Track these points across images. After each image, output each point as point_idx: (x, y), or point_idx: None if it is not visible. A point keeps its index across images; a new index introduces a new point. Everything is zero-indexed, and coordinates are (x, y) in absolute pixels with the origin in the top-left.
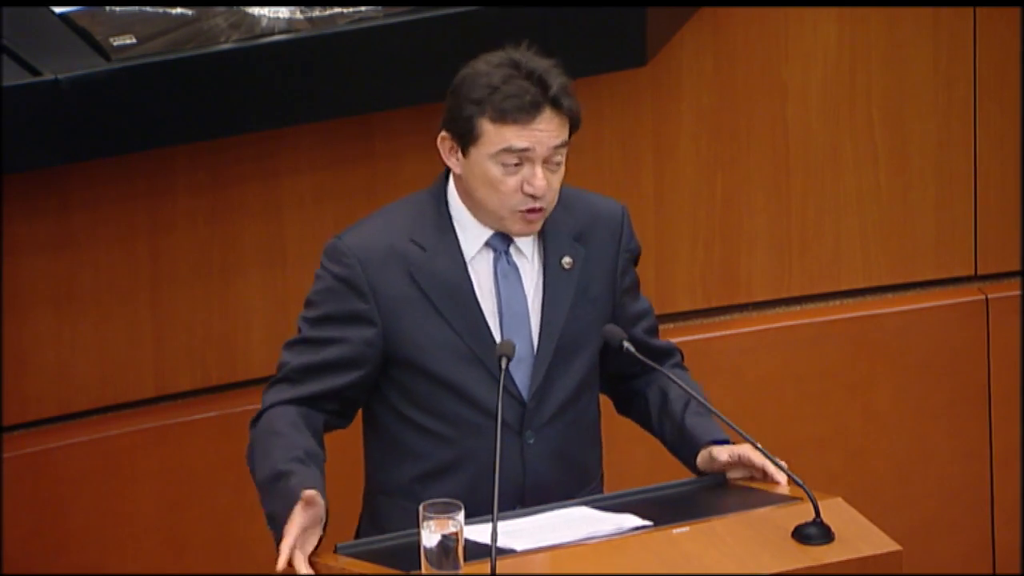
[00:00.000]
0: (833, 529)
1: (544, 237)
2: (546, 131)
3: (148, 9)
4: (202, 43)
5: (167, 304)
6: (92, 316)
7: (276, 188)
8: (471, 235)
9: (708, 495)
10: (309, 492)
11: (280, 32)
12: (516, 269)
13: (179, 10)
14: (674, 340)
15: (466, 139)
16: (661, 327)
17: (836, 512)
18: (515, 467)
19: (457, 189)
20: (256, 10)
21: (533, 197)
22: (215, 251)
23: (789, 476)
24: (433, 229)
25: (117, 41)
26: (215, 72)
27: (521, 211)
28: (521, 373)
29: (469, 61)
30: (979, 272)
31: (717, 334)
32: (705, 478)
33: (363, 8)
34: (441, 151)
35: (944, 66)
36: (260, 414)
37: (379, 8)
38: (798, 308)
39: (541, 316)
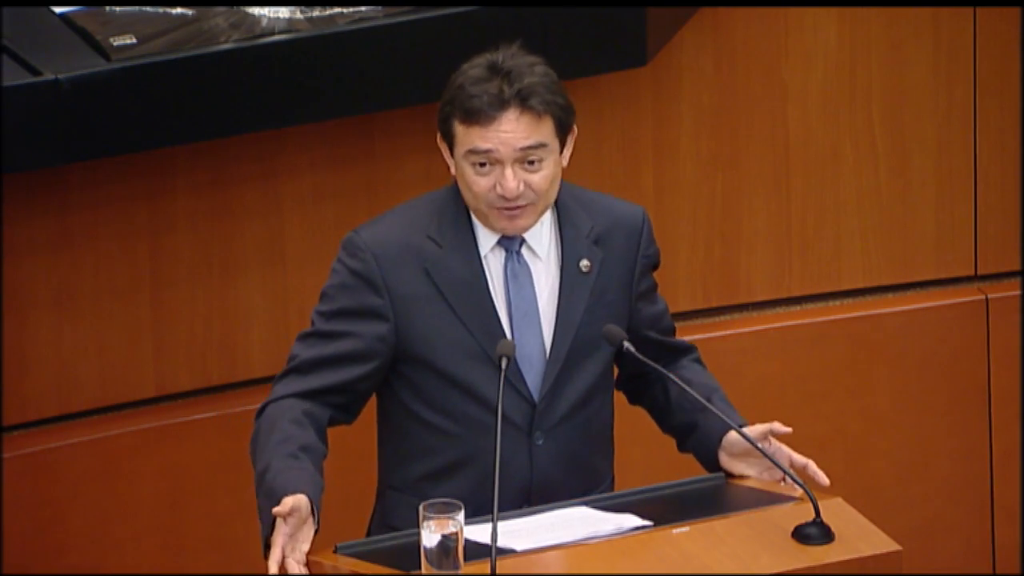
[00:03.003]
0: (833, 529)
1: (562, 238)
2: (510, 132)
3: (148, 9)
4: (202, 43)
5: (167, 304)
6: (92, 316)
7: (276, 188)
8: (485, 233)
9: (708, 495)
10: (282, 507)
11: (280, 32)
12: (528, 269)
13: (179, 10)
14: None
15: (448, 140)
16: None
17: (836, 512)
18: (523, 468)
19: None
20: (256, 10)
21: (504, 198)
22: (215, 251)
23: (789, 476)
24: (451, 226)
25: (117, 41)
26: (215, 72)
27: (498, 209)
28: (532, 374)
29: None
30: (979, 272)
31: (717, 334)
32: (705, 478)
33: (363, 8)
34: (443, 152)
35: (944, 66)
36: (265, 405)
37: (379, 8)
38: (798, 308)
39: (556, 317)
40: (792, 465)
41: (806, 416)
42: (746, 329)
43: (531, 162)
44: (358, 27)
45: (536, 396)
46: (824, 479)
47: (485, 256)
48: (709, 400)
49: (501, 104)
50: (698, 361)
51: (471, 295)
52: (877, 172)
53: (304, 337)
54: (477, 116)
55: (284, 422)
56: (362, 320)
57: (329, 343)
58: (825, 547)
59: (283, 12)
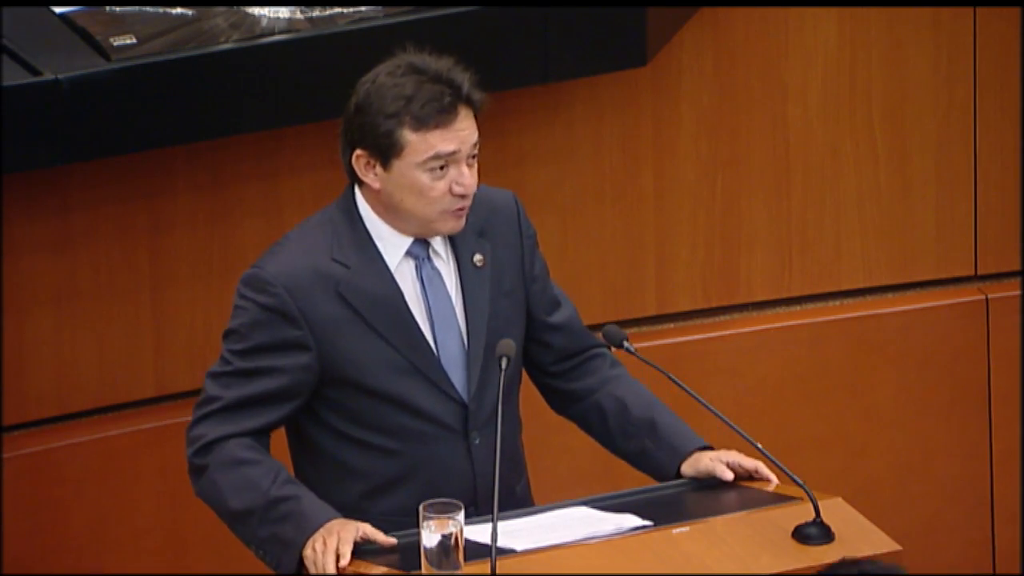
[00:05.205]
0: (833, 529)
1: (452, 238)
2: (466, 129)
3: (148, 9)
4: (202, 43)
5: (167, 304)
6: (92, 316)
7: (276, 188)
8: (391, 246)
9: (708, 495)
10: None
11: (280, 32)
12: (439, 274)
13: (179, 10)
14: (674, 340)
15: (388, 153)
16: (661, 327)
17: (836, 512)
18: (465, 469)
19: (370, 203)
20: (256, 10)
21: (462, 196)
22: (215, 251)
23: (789, 476)
24: (352, 246)
25: (117, 41)
26: (215, 72)
27: (452, 211)
28: (458, 376)
29: (365, 75)
30: (979, 272)
31: (717, 334)
32: (705, 478)
33: (363, 8)
34: (356, 169)
35: (944, 66)
36: (206, 446)
37: (379, 8)
38: (798, 308)
39: (465, 316)
40: (744, 468)
41: (806, 416)
42: (746, 329)
43: (474, 156)
44: (358, 27)
45: (466, 397)
46: (773, 479)
47: (395, 269)
48: (653, 421)
49: (455, 105)
50: (617, 365)
51: (389, 311)
52: (877, 172)
53: (218, 376)
54: (437, 120)
55: (253, 455)
56: (283, 353)
57: (253, 381)
58: (825, 547)
59: (283, 12)
